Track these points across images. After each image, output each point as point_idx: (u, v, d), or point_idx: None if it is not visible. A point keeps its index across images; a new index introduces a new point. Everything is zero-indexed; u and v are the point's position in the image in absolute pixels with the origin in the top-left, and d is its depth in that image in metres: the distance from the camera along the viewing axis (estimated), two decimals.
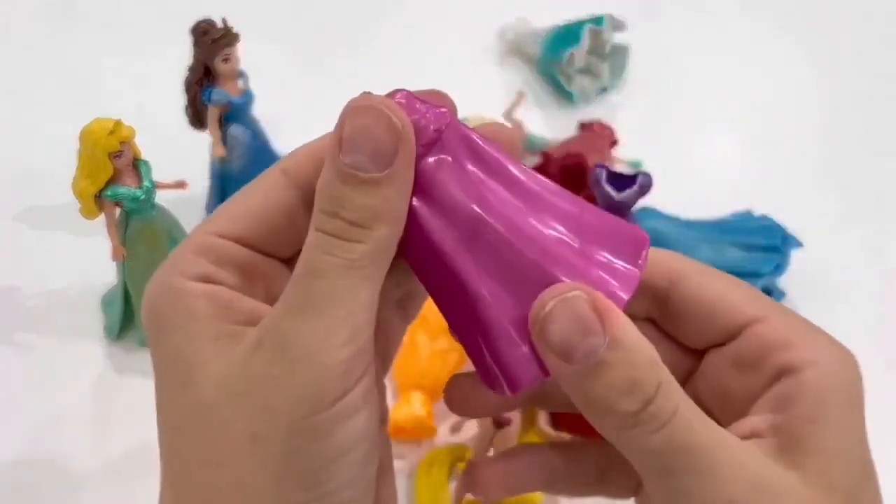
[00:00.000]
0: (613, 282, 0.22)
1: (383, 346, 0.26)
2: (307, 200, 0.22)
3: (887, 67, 0.71)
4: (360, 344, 0.20)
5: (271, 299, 0.23)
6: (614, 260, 0.22)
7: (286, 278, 0.22)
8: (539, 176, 0.23)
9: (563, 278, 0.21)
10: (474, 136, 0.22)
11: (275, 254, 0.24)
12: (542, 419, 0.42)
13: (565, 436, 0.41)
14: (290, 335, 0.20)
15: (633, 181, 0.45)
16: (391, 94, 0.22)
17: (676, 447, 0.21)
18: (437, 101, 0.23)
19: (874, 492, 0.22)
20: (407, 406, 0.43)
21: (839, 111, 0.67)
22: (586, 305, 0.20)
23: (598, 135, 0.58)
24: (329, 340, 0.20)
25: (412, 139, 0.21)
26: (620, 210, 0.46)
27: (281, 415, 0.20)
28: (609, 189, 0.45)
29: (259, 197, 0.23)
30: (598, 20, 0.66)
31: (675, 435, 0.20)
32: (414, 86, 0.24)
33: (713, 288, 0.24)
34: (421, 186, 0.21)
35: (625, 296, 0.22)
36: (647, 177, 0.45)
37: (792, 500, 0.21)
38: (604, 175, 0.45)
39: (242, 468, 0.20)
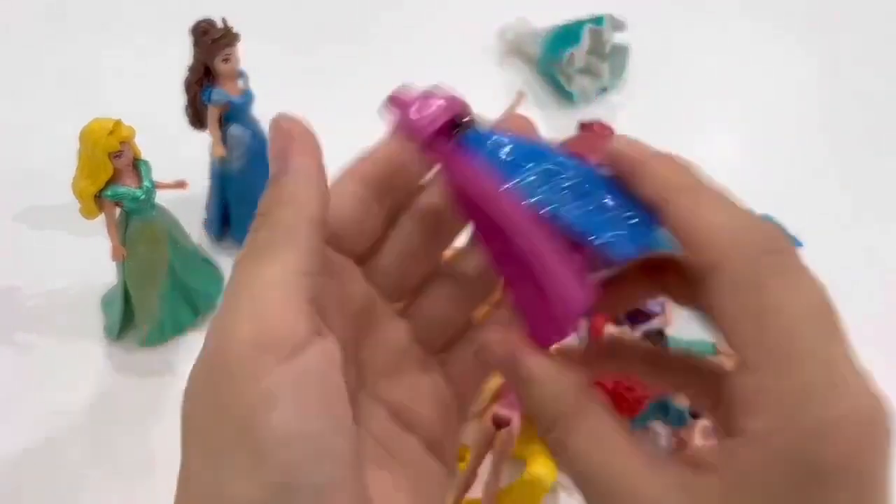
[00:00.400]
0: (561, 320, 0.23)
1: (460, 386, 0.26)
2: (378, 196, 0.25)
3: (887, 67, 0.71)
4: (263, 326, 0.20)
5: (344, 296, 0.24)
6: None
7: (357, 278, 0.24)
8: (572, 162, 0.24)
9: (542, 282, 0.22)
10: (484, 128, 0.24)
11: (348, 250, 0.25)
12: None
13: None
14: (213, 331, 0.21)
15: None
16: (402, 91, 0.24)
17: (576, 472, 0.22)
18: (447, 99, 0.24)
19: None
20: None
21: (839, 111, 0.67)
22: (500, 350, 0.23)
23: (598, 135, 0.58)
24: (233, 327, 0.20)
25: (307, 139, 0.23)
26: None
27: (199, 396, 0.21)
28: None
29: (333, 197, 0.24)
30: (597, 20, 0.66)
31: (574, 463, 0.22)
32: (415, 86, 0.24)
33: (700, 219, 0.22)
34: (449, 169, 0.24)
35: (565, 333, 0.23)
36: None
37: None
38: None
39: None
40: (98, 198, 0.44)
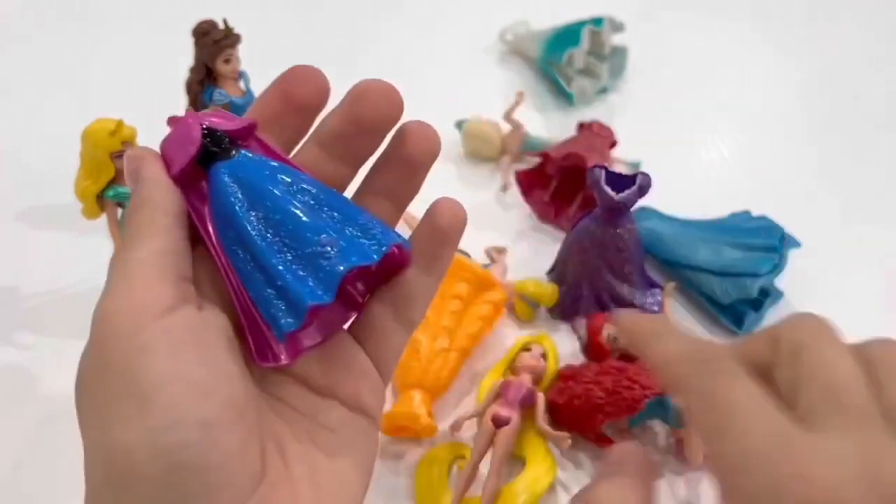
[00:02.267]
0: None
1: (375, 350, 0.28)
2: None
3: (886, 68, 0.72)
4: (135, 294, 0.23)
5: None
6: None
7: None
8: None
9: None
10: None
11: None
12: (541, 418, 0.42)
13: (564, 434, 0.42)
14: (95, 312, 0.24)
15: (632, 182, 0.45)
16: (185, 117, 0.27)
17: None
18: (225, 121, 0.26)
19: None
20: (407, 405, 0.43)
21: (838, 111, 0.67)
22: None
23: (596, 135, 0.58)
24: (110, 301, 0.24)
25: (153, 158, 0.26)
26: (620, 210, 0.46)
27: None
28: (608, 189, 0.45)
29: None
30: (597, 21, 0.66)
31: None
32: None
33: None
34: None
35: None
36: (646, 177, 0.45)
37: None
38: (603, 176, 0.45)
39: None
40: (100, 198, 0.44)
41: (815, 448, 0.21)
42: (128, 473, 0.22)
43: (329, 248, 0.24)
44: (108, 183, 0.44)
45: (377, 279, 0.28)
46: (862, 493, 0.21)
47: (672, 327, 0.29)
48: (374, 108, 0.26)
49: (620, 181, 0.45)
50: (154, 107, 0.55)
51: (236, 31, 0.49)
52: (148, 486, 0.22)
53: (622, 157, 0.59)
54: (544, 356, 0.45)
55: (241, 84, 0.51)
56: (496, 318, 0.48)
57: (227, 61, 0.49)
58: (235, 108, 0.51)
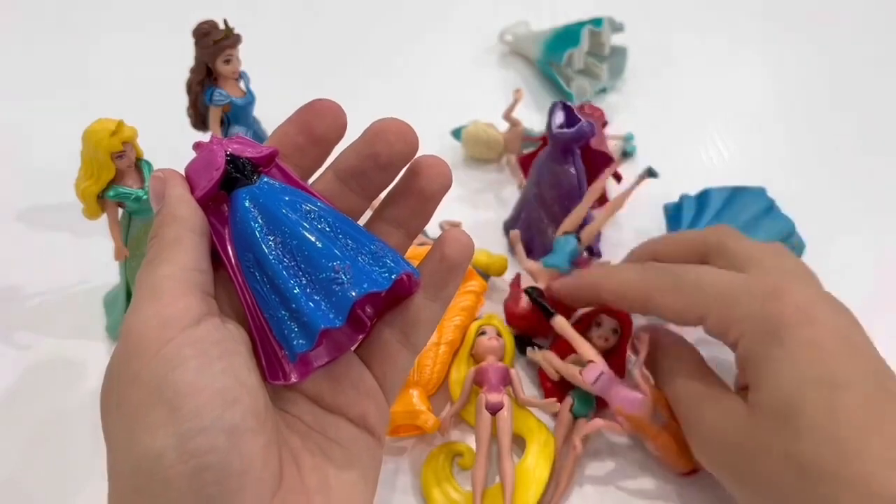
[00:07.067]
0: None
1: (381, 371, 0.29)
2: None
3: (887, 67, 0.72)
4: (163, 308, 0.24)
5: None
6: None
7: None
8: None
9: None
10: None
11: None
12: (521, 392, 0.43)
13: (551, 400, 0.43)
14: (123, 326, 0.25)
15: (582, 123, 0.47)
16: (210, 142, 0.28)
17: None
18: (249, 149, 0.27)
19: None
20: (407, 403, 0.43)
21: (838, 111, 0.67)
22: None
23: (588, 116, 0.58)
24: (138, 315, 0.25)
25: (177, 178, 0.28)
26: (557, 144, 0.48)
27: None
28: (557, 118, 0.47)
29: None
30: (596, 22, 0.66)
31: None
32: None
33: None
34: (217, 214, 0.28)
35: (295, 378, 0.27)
36: (591, 126, 0.47)
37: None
38: (560, 106, 0.48)
39: None
40: (100, 198, 0.44)
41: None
42: (155, 477, 0.23)
43: (342, 275, 0.26)
44: (108, 183, 0.44)
45: (386, 303, 0.29)
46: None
47: (613, 266, 0.42)
48: (390, 147, 0.27)
49: (575, 119, 0.48)
50: (154, 107, 0.55)
51: (236, 31, 0.49)
52: (175, 489, 0.23)
53: (615, 133, 0.60)
54: (499, 335, 0.45)
55: (242, 84, 0.51)
56: (478, 308, 0.49)
57: (227, 62, 0.49)
58: (236, 109, 0.51)
